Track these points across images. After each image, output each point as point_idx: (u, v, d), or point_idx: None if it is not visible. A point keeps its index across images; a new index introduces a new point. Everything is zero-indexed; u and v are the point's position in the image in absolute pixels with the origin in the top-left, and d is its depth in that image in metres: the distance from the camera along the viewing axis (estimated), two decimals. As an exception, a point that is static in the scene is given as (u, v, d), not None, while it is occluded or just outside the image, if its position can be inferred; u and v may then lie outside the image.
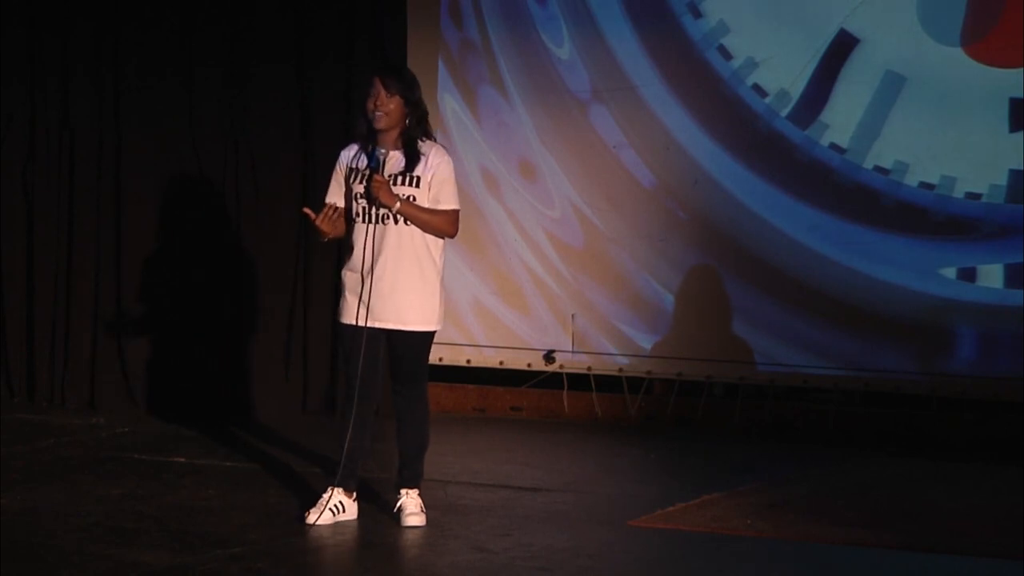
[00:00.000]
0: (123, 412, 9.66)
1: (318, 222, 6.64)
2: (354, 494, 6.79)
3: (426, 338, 6.72)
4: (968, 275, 8.90)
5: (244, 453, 8.40)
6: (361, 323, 6.60)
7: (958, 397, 8.96)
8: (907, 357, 9.05)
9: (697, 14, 9.43)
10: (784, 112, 9.25)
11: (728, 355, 9.42)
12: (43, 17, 10.00)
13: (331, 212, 6.66)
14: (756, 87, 9.30)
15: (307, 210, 6.72)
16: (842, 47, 9.12)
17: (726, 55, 9.37)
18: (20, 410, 9.75)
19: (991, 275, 8.86)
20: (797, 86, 9.22)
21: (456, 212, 6.67)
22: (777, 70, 9.26)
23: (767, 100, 9.28)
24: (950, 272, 8.94)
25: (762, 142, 9.30)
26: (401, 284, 6.59)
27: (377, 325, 6.62)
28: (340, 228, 6.72)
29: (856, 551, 6.47)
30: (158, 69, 9.83)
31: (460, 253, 9.77)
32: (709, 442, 9.04)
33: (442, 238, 6.68)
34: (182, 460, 8.19)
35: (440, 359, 9.60)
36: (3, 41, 10.06)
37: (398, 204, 6.55)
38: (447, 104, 9.95)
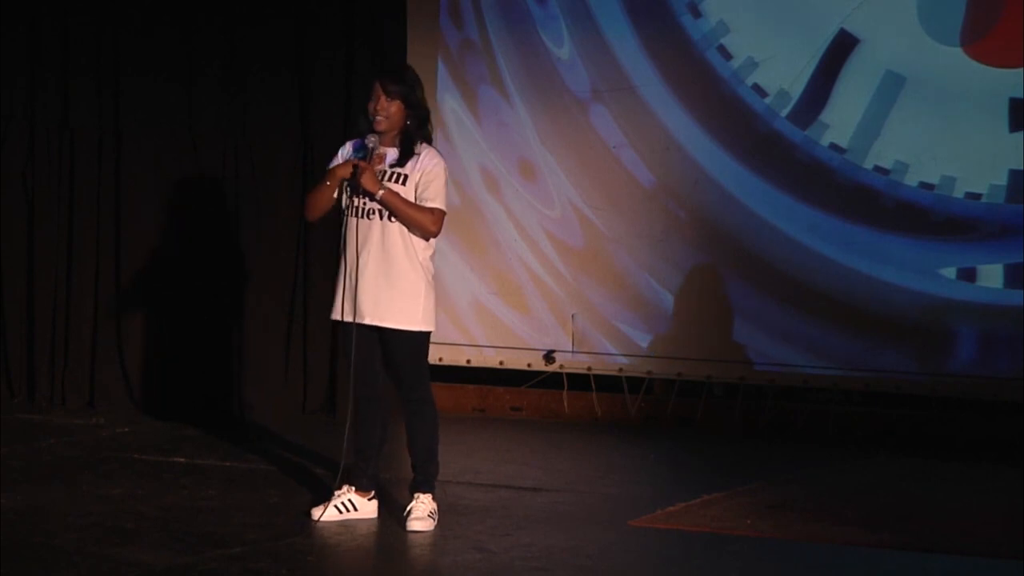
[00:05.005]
0: (123, 412, 9.66)
1: (340, 169, 6.59)
2: (371, 494, 6.78)
3: (414, 337, 6.65)
4: (968, 275, 8.90)
5: (244, 453, 8.39)
6: (347, 318, 6.60)
7: (958, 397, 8.97)
8: (907, 357, 9.04)
9: (697, 14, 9.43)
10: (784, 112, 9.25)
11: (728, 355, 9.42)
12: (43, 17, 9.99)
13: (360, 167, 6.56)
14: (756, 87, 9.30)
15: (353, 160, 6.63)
16: (842, 47, 9.11)
17: (726, 55, 9.36)
18: (20, 410, 9.74)
19: (991, 275, 8.86)
20: (797, 86, 9.22)
21: (440, 212, 6.60)
22: (777, 70, 9.26)
23: (767, 100, 9.28)
24: (950, 272, 8.94)
25: (762, 142, 9.30)
26: (383, 281, 6.58)
27: (367, 322, 6.62)
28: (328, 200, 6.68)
29: (856, 551, 6.47)
30: (158, 69, 9.82)
31: (460, 253, 9.76)
32: (709, 442, 9.03)
33: (424, 238, 6.62)
34: (182, 460, 8.19)
35: (440, 359, 9.59)
36: (3, 41, 10.05)
37: (381, 191, 6.52)
38: (447, 104, 9.94)
